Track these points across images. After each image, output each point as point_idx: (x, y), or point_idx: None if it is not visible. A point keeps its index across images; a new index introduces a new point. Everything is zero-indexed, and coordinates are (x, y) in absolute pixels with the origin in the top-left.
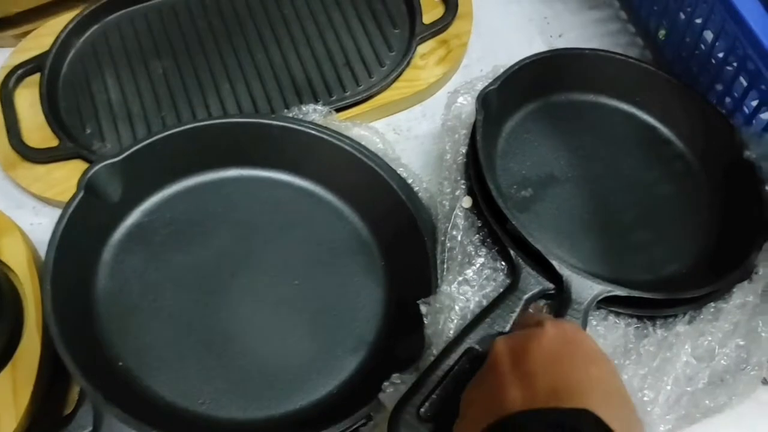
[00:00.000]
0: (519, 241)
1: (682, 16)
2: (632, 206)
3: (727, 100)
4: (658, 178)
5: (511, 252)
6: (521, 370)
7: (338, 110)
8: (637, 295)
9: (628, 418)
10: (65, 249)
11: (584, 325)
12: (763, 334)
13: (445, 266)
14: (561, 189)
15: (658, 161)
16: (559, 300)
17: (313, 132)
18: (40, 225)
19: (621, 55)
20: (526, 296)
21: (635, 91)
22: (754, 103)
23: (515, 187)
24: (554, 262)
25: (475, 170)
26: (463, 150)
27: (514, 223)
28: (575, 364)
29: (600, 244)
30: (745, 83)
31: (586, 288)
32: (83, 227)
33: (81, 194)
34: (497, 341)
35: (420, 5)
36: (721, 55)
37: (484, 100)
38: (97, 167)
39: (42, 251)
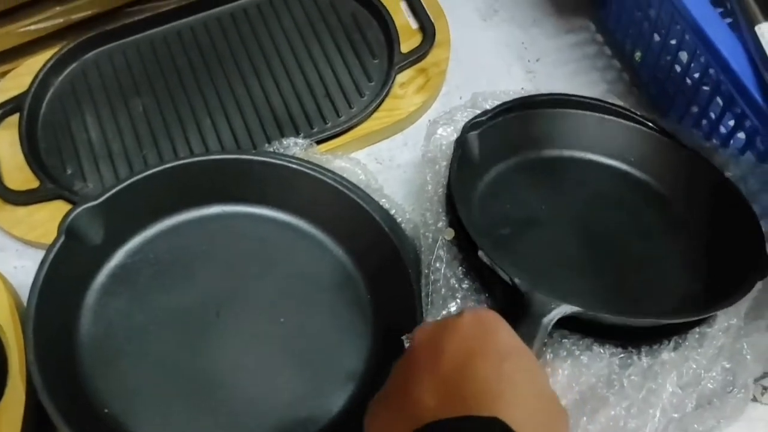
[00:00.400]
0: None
1: (657, 38)
2: (615, 249)
3: (704, 122)
4: (642, 223)
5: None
6: (436, 368)
7: (320, 142)
8: (600, 315)
9: (543, 421)
10: (48, 295)
11: (539, 343)
12: (748, 356)
13: (429, 299)
14: (541, 230)
15: (643, 210)
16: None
17: (294, 166)
18: (24, 268)
19: (603, 110)
20: None
21: (624, 151)
22: (731, 123)
23: (494, 225)
24: (516, 279)
25: (452, 203)
26: (444, 181)
27: (482, 250)
28: (488, 359)
29: (579, 284)
30: (720, 104)
31: (546, 305)
32: (66, 272)
33: (62, 239)
34: (418, 332)
35: (398, 34)
36: (696, 76)
37: (463, 143)
38: (77, 211)
39: (26, 294)
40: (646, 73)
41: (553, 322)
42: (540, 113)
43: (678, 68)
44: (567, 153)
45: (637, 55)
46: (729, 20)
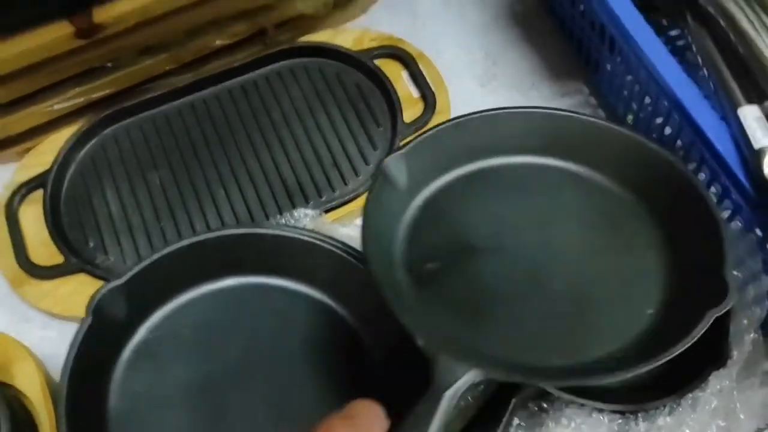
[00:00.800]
0: None
1: (648, 99)
2: (569, 279)
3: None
4: (607, 247)
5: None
6: None
7: (327, 210)
8: (526, 383)
9: None
10: (78, 374)
11: (438, 425)
12: (741, 416)
13: None
14: (478, 261)
15: (610, 229)
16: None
17: (304, 238)
18: (49, 338)
19: (561, 110)
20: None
21: (582, 150)
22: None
23: (421, 260)
24: (418, 339)
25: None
26: None
27: (392, 306)
28: None
29: (520, 326)
30: (708, 175)
31: (451, 373)
32: (94, 350)
33: (90, 319)
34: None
35: (400, 104)
36: (684, 144)
37: (384, 169)
38: (103, 291)
39: (51, 363)
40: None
41: (458, 395)
42: (476, 118)
43: (669, 130)
44: (515, 159)
45: (629, 117)
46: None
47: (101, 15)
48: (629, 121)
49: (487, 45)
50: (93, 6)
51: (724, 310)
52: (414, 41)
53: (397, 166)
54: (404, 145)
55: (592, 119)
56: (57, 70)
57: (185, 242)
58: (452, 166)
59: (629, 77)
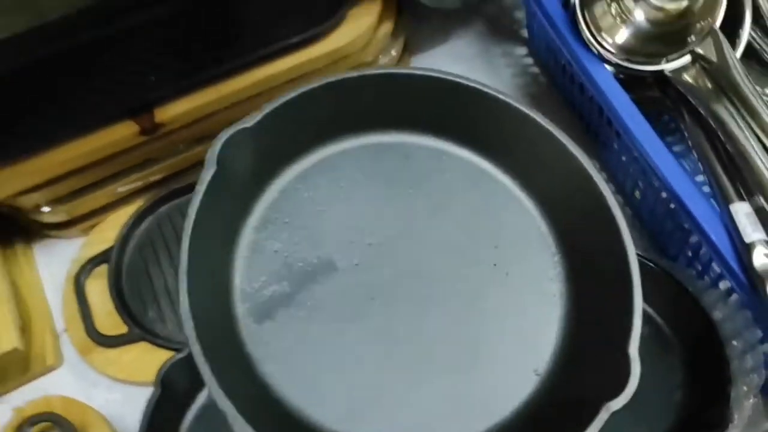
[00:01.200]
0: None
1: (655, 182)
2: (447, 315)
3: (696, 264)
4: (496, 273)
5: None
6: None
7: None
8: None
9: None
10: None
11: None
12: None
13: None
14: (335, 283)
15: (505, 248)
16: None
17: (505, 100)
18: (114, 401)
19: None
20: None
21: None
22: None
23: (264, 279)
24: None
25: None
26: None
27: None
28: None
29: (381, 390)
30: (705, 259)
31: None
32: (160, 418)
33: (159, 392)
34: None
35: None
36: (685, 227)
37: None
38: (169, 364)
39: (117, 423)
40: (645, 210)
41: None
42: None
43: (672, 206)
44: (427, 141)
45: (637, 193)
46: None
47: (162, 115)
48: (637, 196)
49: None
50: (155, 107)
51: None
52: None
53: (238, 149)
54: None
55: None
56: (122, 162)
57: None
58: (306, 148)
59: (632, 162)
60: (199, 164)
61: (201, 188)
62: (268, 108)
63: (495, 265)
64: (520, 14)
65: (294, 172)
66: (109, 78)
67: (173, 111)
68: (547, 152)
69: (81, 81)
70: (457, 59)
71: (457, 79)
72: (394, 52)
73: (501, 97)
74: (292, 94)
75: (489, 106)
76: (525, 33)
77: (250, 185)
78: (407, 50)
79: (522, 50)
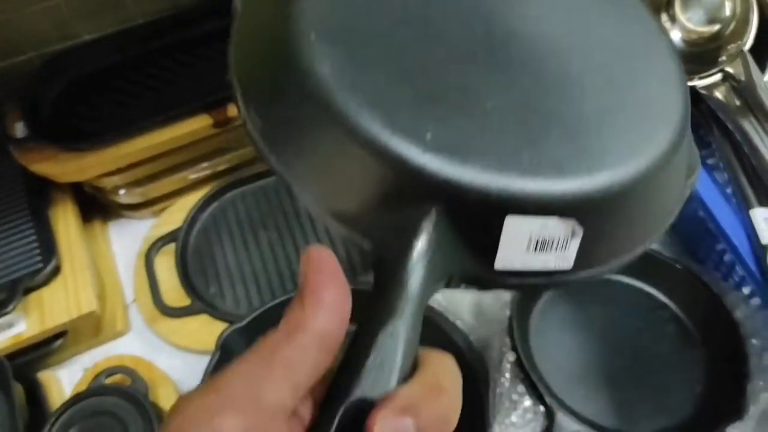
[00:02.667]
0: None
1: None
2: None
3: (722, 268)
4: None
5: (545, 397)
6: None
7: None
8: None
9: None
10: None
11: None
12: None
13: (494, 410)
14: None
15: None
16: None
17: None
18: (175, 366)
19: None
20: None
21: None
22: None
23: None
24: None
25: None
26: (507, 312)
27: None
28: None
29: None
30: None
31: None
32: None
33: (218, 353)
34: None
35: None
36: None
37: None
38: (228, 332)
39: (178, 386)
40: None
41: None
42: None
43: (701, 213)
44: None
45: None
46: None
47: (233, 110)
48: None
49: None
50: (228, 103)
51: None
52: None
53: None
54: None
55: None
56: (194, 151)
57: (292, 295)
58: None
59: None
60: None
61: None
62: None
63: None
64: None
65: None
66: (188, 77)
67: None
68: None
69: (164, 79)
70: None
71: None
72: None
73: None
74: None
75: None
76: None
77: None
78: None
79: None
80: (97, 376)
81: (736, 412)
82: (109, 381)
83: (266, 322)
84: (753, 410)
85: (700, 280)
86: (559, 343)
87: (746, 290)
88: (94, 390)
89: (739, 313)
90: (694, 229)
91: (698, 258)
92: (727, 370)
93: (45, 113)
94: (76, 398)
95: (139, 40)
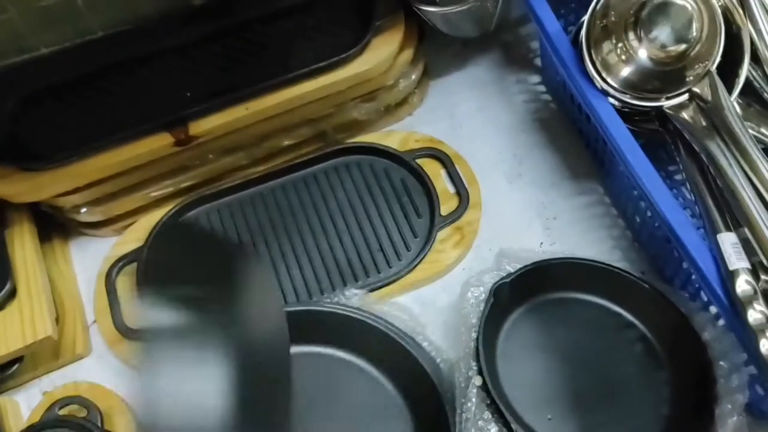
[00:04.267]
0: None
1: (649, 211)
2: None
3: (690, 288)
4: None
5: (512, 425)
6: None
7: (373, 289)
8: None
9: None
10: None
11: None
12: None
13: None
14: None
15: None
16: None
17: (353, 315)
18: None
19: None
20: None
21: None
22: (704, 298)
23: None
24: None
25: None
26: (474, 335)
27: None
28: None
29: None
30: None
31: None
32: None
33: None
34: None
35: (438, 199)
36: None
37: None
38: None
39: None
40: (644, 233)
41: None
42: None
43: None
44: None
45: (637, 217)
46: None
47: (195, 128)
48: (637, 220)
49: (515, 146)
50: (189, 122)
51: None
52: (451, 141)
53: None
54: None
55: None
56: (156, 169)
57: None
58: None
59: (632, 189)
60: (226, 173)
61: None
62: None
63: None
64: (535, 44)
65: None
66: (148, 93)
67: (206, 125)
68: None
69: (123, 95)
70: (473, 84)
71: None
72: (413, 77)
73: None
74: None
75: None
76: (539, 62)
77: None
78: (426, 74)
79: (535, 78)
80: (50, 407)
81: None
82: (63, 412)
83: None
84: None
85: (668, 300)
86: (525, 366)
87: (714, 310)
88: (46, 422)
89: (707, 335)
90: (661, 248)
91: (665, 276)
92: (695, 392)
93: None
94: (29, 430)
95: (97, 54)
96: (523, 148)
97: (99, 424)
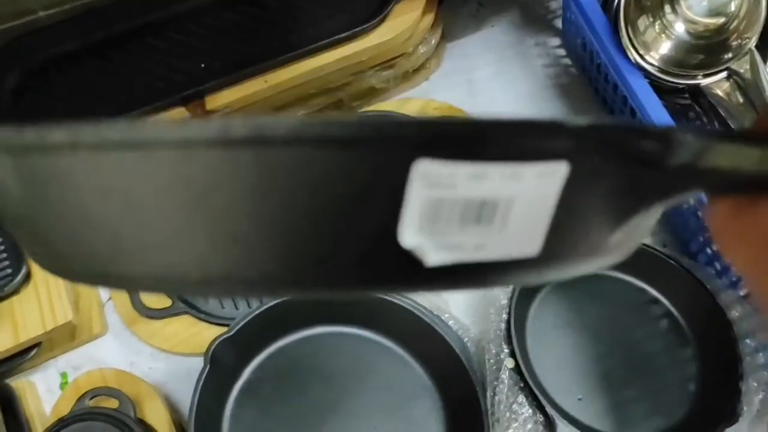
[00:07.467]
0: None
1: None
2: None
3: (717, 264)
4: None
5: (547, 408)
6: None
7: None
8: None
9: None
10: (200, 413)
11: None
12: None
13: (494, 417)
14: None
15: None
16: None
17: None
18: (158, 369)
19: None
20: None
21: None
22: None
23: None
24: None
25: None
26: (504, 316)
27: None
28: None
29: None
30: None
31: None
32: (209, 391)
33: (207, 366)
34: None
35: None
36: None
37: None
38: (217, 342)
39: (161, 390)
40: (673, 209)
41: None
42: None
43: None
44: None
45: None
46: None
47: (212, 103)
48: None
49: (534, 113)
50: (206, 96)
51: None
52: (469, 107)
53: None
54: None
55: None
56: None
57: (277, 300)
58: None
59: None
60: None
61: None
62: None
63: None
64: (555, 4)
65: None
66: (162, 65)
67: (223, 99)
68: None
69: (135, 67)
70: (491, 47)
71: None
72: (433, 41)
73: None
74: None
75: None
76: (559, 23)
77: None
78: (444, 37)
79: (555, 41)
80: (80, 398)
81: (731, 414)
82: (92, 403)
83: (255, 330)
84: (746, 411)
85: (695, 277)
86: (554, 346)
87: (743, 292)
88: (79, 415)
89: (734, 313)
90: (686, 221)
91: (690, 251)
92: (721, 369)
93: None
94: (61, 423)
95: (105, 22)
96: (543, 115)
97: (132, 416)
